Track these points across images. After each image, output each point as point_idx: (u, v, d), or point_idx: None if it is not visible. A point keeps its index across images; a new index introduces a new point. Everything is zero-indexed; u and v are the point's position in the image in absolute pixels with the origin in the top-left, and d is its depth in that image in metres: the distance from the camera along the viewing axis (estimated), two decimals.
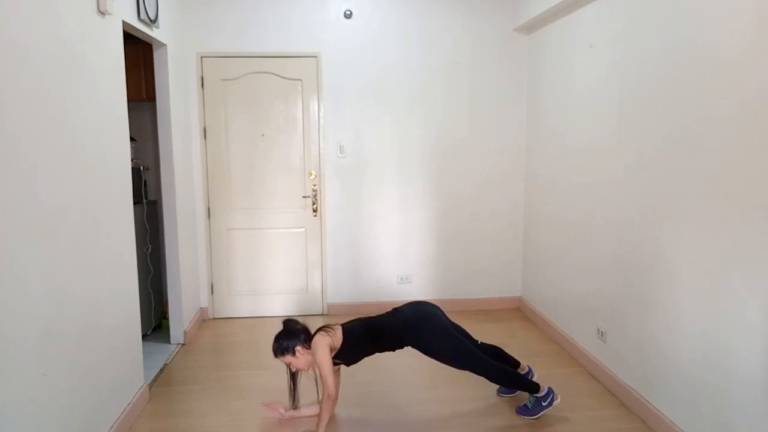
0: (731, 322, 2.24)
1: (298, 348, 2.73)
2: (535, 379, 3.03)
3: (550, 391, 2.86)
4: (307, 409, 2.92)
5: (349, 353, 2.80)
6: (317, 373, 2.73)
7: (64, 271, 2.22)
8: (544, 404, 2.84)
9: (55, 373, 2.14)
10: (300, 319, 2.86)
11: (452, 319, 2.92)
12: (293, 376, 2.84)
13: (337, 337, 2.75)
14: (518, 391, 2.98)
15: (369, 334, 2.81)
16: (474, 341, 2.96)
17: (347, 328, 2.81)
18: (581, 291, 3.56)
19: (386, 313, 2.93)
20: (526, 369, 3.07)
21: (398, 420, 2.89)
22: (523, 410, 2.89)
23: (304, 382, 2.90)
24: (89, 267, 2.44)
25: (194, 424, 2.87)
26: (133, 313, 2.98)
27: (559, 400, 2.88)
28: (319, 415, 2.69)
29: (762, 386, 2.09)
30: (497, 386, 3.15)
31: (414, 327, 2.79)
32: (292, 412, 2.90)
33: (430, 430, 2.79)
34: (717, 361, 2.32)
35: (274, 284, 4.55)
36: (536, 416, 2.85)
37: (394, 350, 2.87)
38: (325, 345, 2.70)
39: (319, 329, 2.77)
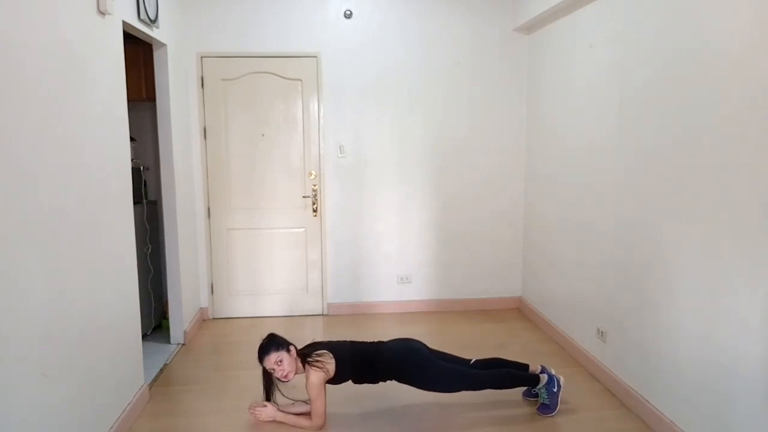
0: (731, 322, 2.24)
1: (292, 348, 2.75)
2: (554, 372, 2.96)
3: (551, 378, 2.88)
4: (293, 409, 2.90)
5: (334, 381, 2.81)
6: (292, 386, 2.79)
7: (64, 272, 2.22)
8: (555, 390, 2.87)
9: (55, 373, 2.14)
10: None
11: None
12: (268, 381, 2.81)
13: (331, 369, 2.74)
14: (537, 393, 2.94)
15: (358, 364, 2.82)
16: (466, 361, 2.94)
17: (339, 358, 2.77)
18: (581, 291, 3.56)
19: (371, 343, 2.94)
20: (539, 368, 2.99)
21: (398, 420, 2.89)
22: (544, 409, 2.88)
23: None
24: (89, 267, 2.44)
25: (194, 424, 2.87)
26: (133, 313, 2.98)
27: (562, 378, 2.92)
28: (297, 416, 2.80)
29: (762, 386, 2.09)
30: (506, 389, 3.04)
31: (402, 360, 2.79)
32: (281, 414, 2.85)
33: (431, 430, 2.80)
34: (717, 361, 2.32)
35: (274, 284, 4.54)
36: (557, 409, 2.86)
37: (376, 382, 2.87)
38: (321, 383, 2.71)
39: (312, 360, 2.73)
